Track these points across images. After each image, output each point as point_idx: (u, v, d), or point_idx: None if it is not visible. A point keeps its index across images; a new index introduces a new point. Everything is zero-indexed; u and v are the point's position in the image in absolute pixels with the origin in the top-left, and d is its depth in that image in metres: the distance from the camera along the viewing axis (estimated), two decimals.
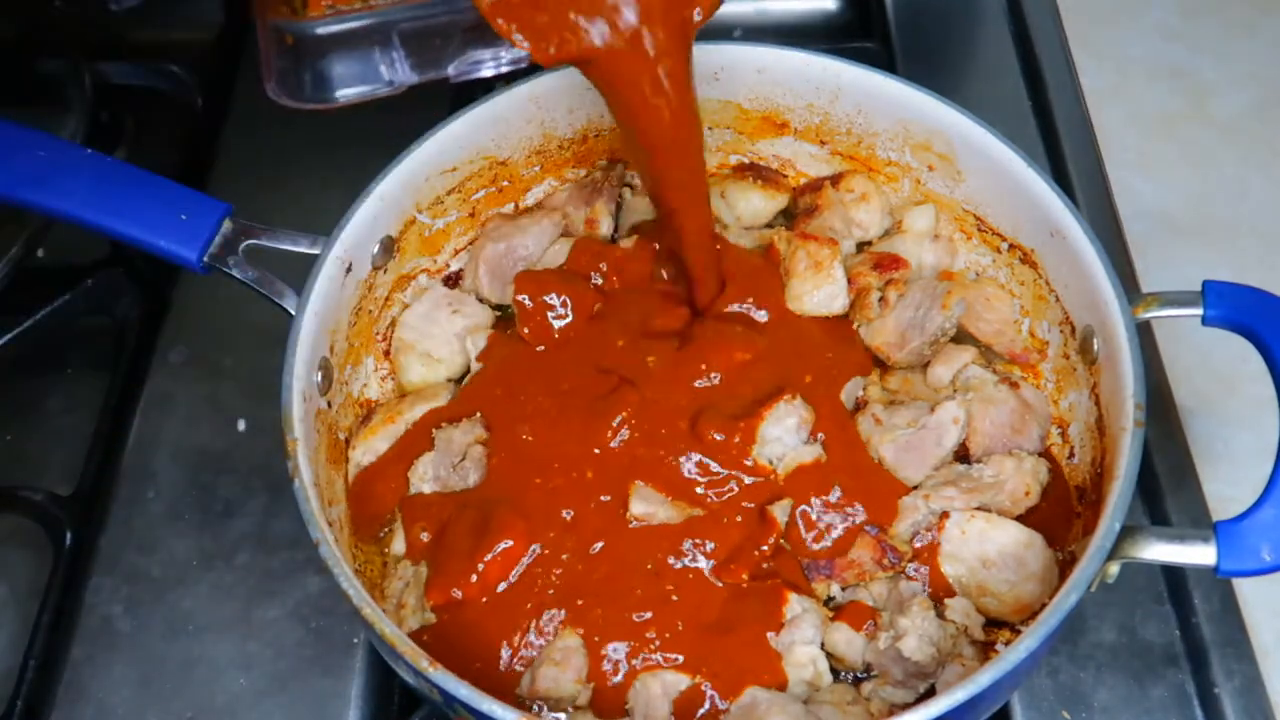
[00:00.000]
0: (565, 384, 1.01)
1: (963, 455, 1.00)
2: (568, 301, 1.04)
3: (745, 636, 0.90)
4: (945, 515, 0.95)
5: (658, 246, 1.09)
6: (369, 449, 1.02)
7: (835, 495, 0.96)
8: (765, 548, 0.93)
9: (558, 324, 1.04)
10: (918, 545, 0.95)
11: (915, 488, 0.98)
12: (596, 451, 0.97)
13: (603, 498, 0.95)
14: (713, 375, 1.00)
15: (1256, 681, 1.01)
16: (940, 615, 0.92)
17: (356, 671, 1.02)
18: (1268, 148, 1.41)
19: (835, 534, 0.95)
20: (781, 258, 1.08)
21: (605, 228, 1.14)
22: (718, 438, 0.96)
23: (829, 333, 1.06)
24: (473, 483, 0.98)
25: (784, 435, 0.97)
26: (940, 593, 0.94)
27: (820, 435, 0.98)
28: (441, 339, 1.09)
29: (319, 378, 0.96)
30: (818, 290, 1.06)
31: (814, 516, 0.95)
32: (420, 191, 1.09)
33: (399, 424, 1.03)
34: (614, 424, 0.97)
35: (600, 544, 0.94)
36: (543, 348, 1.04)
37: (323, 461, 0.95)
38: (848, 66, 1.11)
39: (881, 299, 1.07)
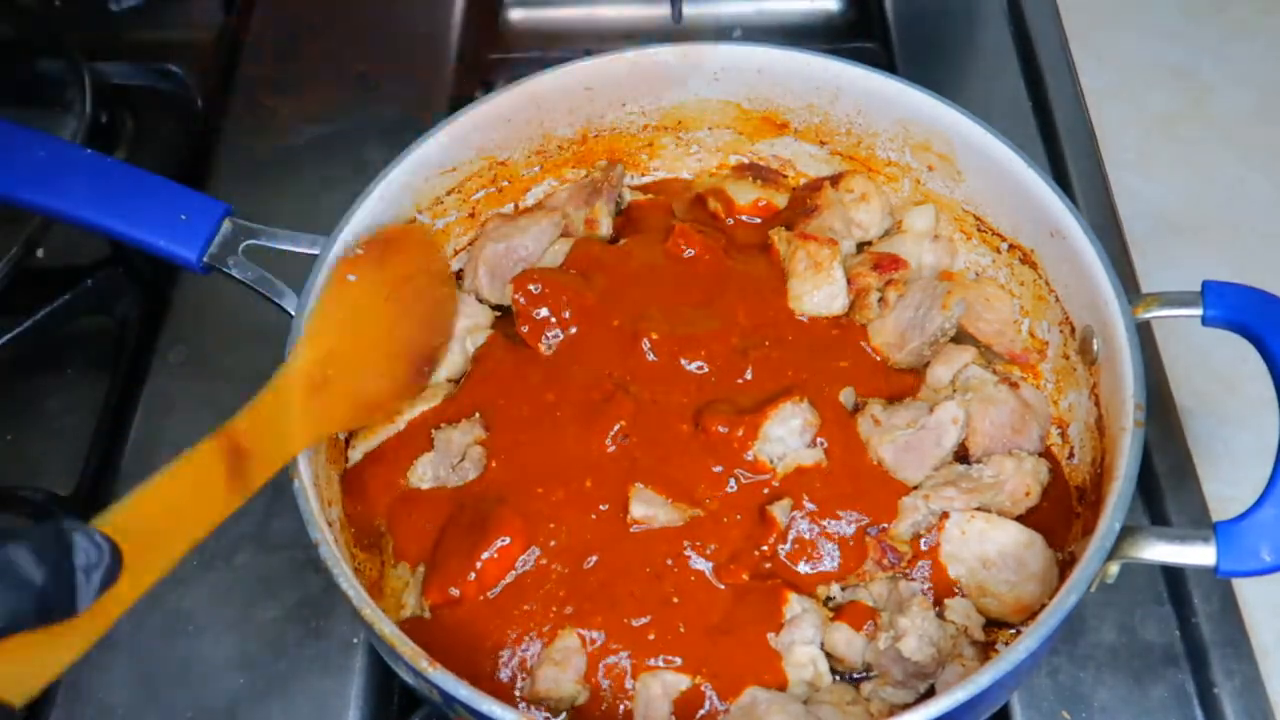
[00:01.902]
0: (562, 388, 1.01)
1: (962, 455, 1.00)
2: (565, 300, 1.04)
3: (745, 637, 0.90)
4: (945, 515, 0.95)
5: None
6: (367, 449, 1.02)
7: (834, 502, 0.95)
8: (765, 548, 0.93)
9: (555, 323, 1.04)
10: (918, 545, 0.95)
11: (915, 488, 0.98)
12: (595, 457, 0.97)
13: (601, 506, 0.95)
14: (709, 361, 1.01)
15: (1256, 681, 1.01)
16: (940, 615, 0.92)
17: (356, 671, 1.02)
18: (1268, 148, 1.41)
19: (836, 542, 0.95)
20: (781, 258, 1.08)
21: (605, 228, 1.14)
22: (721, 430, 0.96)
23: (837, 337, 1.06)
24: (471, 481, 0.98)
25: (787, 436, 0.97)
26: (941, 592, 0.94)
27: (823, 441, 0.98)
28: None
29: None
30: (817, 290, 1.06)
31: (810, 530, 0.95)
32: (420, 191, 1.09)
33: (398, 424, 1.03)
34: (612, 433, 0.97)
35: (600, 548, 0.93)
36: (548, 348, 1.04)
37: (322, 462, 0.95)
38: (848, 67, 1.11)
39: (881, 299, 1.07)
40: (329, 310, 0.89)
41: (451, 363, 1.08)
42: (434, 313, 1.02)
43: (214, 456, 0.76)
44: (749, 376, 1.01)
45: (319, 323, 0.88)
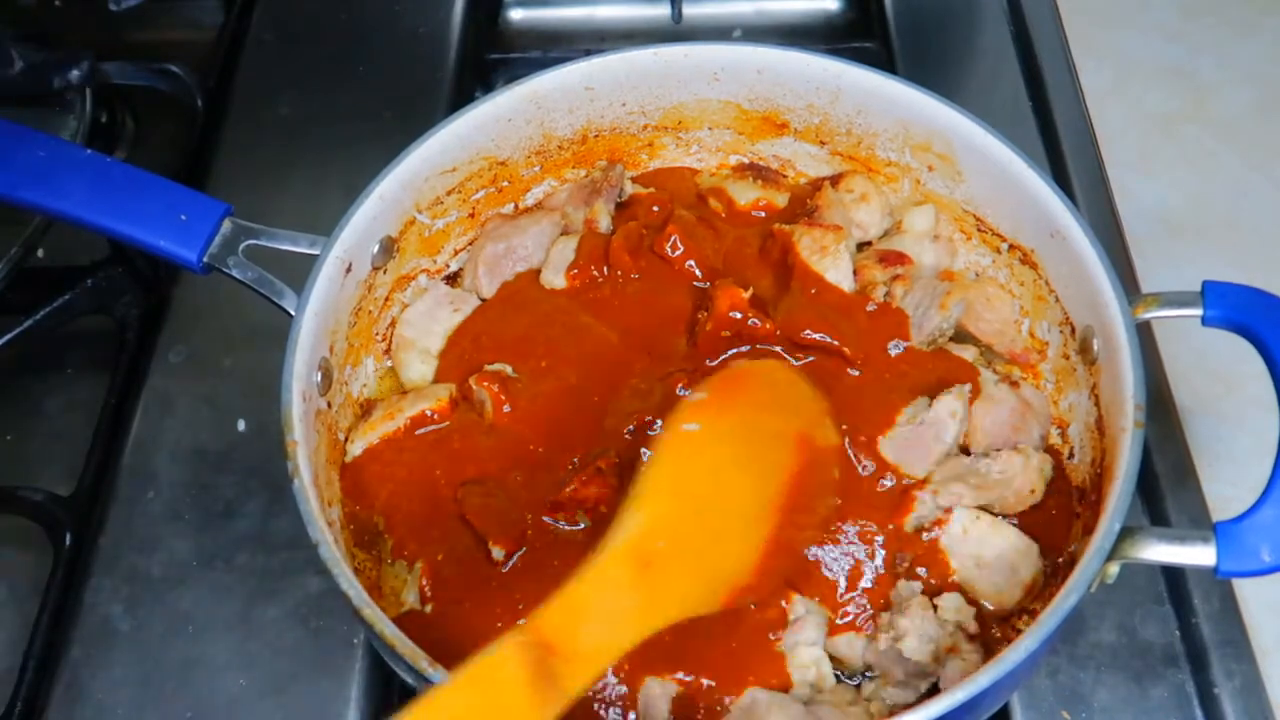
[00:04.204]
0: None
1: (964, 451, 1.00)
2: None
3: (748, 638, 0.90)
4: (949, 510, 0.95)
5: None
6: (366, 444, 1.02)
7: (846, 520, 0.95)
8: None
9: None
10: (919, 539, 0.95)
11: (924, 481, 0.97)
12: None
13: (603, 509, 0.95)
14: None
15: (1256, 681, 1.01)
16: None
17: (356, 671, 1.02)
18: (1268, 148, 1.41)
19: (851, 561, 0.95)
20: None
21: (604, 227, 1.14)
22: None
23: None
24: None
25: None
26: (939, 585, 0.93)
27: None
28: (442, 336, 1.09)
29: (319, 378, 0.96)
30: (825, 273, 1.05)
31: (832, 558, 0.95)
32: (420, 192, 1.09)
33: (398, 420, 1.03)
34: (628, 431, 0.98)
35: None
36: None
37: (322, 462, 0.95)
38: (848, 67, 1.11)
39: (888, 293, 1.07)
40: (662, 467, 0.72)
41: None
42: (781, 459, 0.80)
43: (514, 660, 0.59)
44: None
45: (651, 483, 0.71)
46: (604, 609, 0.64)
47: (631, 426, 0.98)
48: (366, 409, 1.06)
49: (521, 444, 1.00)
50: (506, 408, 1.01)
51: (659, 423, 0.98)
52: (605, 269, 1.09)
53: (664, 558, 0.67)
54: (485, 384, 1.01)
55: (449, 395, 1.03)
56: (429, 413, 1.02)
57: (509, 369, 1.03)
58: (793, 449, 0.78)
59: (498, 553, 0.93)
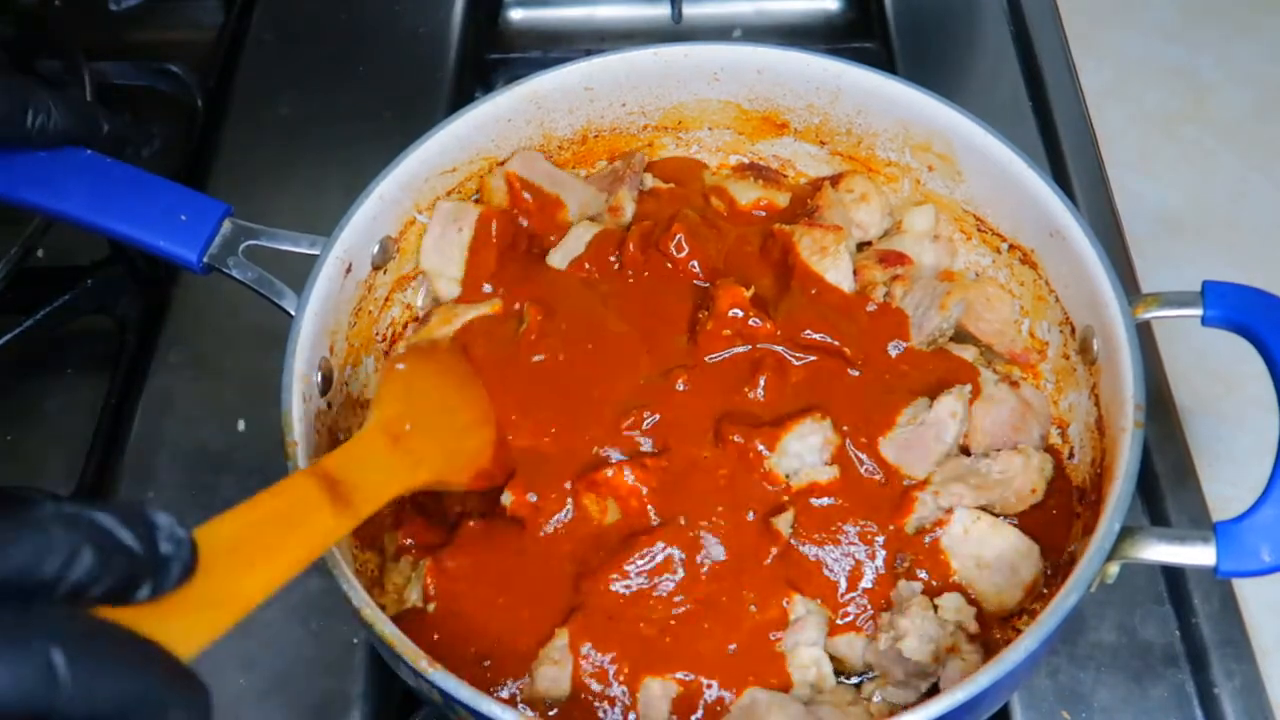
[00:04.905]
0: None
1: (964, 451, 1.00)
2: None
3: (748, 638, 0.90)
4: (949, 511, 0.95)
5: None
6: None
7: (847, 520, 0.95)
8: (768, 561, 0.93)
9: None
10: (921, 541, 0.95)
11: (925, 483, 0.97)
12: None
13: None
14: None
15: (1256, 681, 1.01)
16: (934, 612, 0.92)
17: (356, 671, 1.02)
18: (1268, 148, 1.41)
19: (852, 562, 0.95)
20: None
21: (628, 215, 1.14)
22: (737, 440, 0.96)
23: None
24: None
25: (805, 453, 0.97)
26: (939, 584, 0.94)
27: (837, 466, 0.97)
28: (460, 262, 1.09)
29: (319, 379, 0.96)
30: (825, 274, 1.05)
31: (830, 557, 0.95)
32: (420, 192, 1.09)
33: (455, 324, 1.05)
34: (625, 424, 0.98)
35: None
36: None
37: None
38: (848, 67, 1.11)
39: (887, 294, 1.07)
40: (388, 386, 0.92)
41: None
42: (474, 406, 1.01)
43: (308, 480, 0.76)
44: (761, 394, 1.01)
45: (382, 392, 0.91)
46: (375, 462, 0.84)
47: (630, 423, 0.98)
48: (426, 315, 1.09)
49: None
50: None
51: (657, 417, 0.99)
52: (615, 262, 1.09)
53: (409, 437, 0.88)
54: (530, 305, 1.04)
55: (500, 304, 1.06)
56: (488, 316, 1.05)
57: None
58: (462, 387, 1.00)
59: (506, 497, 0.94)
